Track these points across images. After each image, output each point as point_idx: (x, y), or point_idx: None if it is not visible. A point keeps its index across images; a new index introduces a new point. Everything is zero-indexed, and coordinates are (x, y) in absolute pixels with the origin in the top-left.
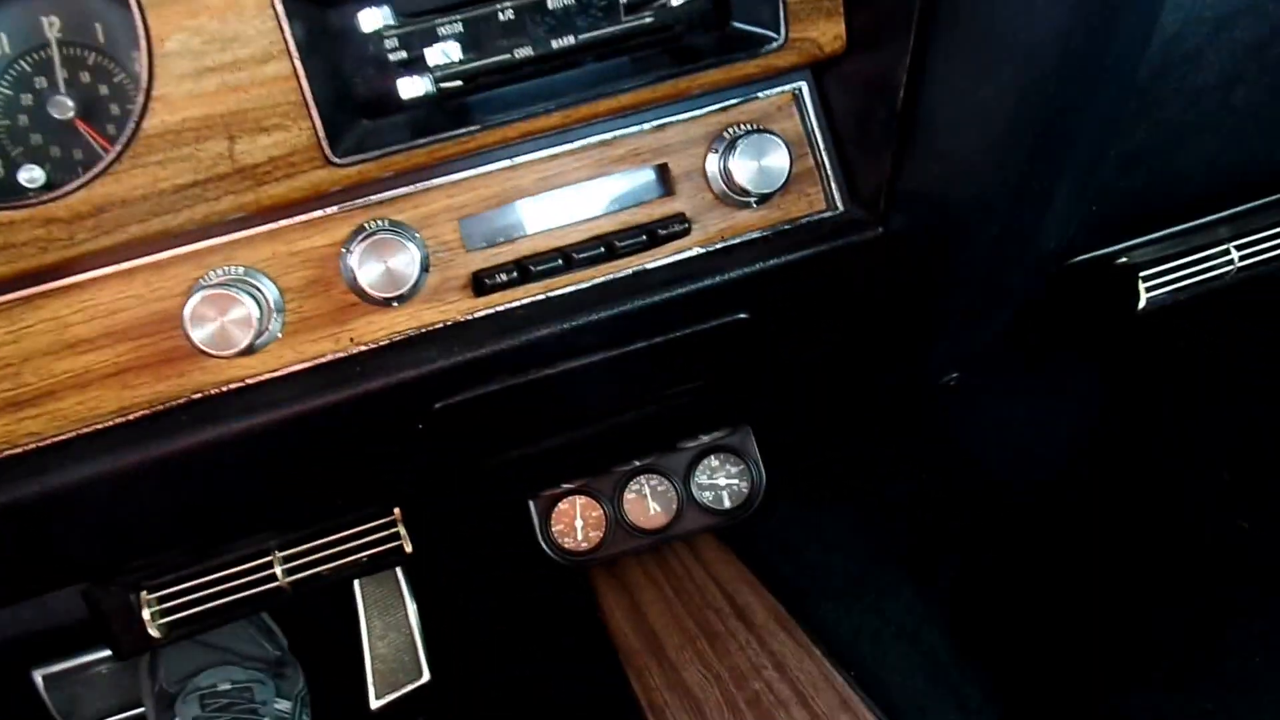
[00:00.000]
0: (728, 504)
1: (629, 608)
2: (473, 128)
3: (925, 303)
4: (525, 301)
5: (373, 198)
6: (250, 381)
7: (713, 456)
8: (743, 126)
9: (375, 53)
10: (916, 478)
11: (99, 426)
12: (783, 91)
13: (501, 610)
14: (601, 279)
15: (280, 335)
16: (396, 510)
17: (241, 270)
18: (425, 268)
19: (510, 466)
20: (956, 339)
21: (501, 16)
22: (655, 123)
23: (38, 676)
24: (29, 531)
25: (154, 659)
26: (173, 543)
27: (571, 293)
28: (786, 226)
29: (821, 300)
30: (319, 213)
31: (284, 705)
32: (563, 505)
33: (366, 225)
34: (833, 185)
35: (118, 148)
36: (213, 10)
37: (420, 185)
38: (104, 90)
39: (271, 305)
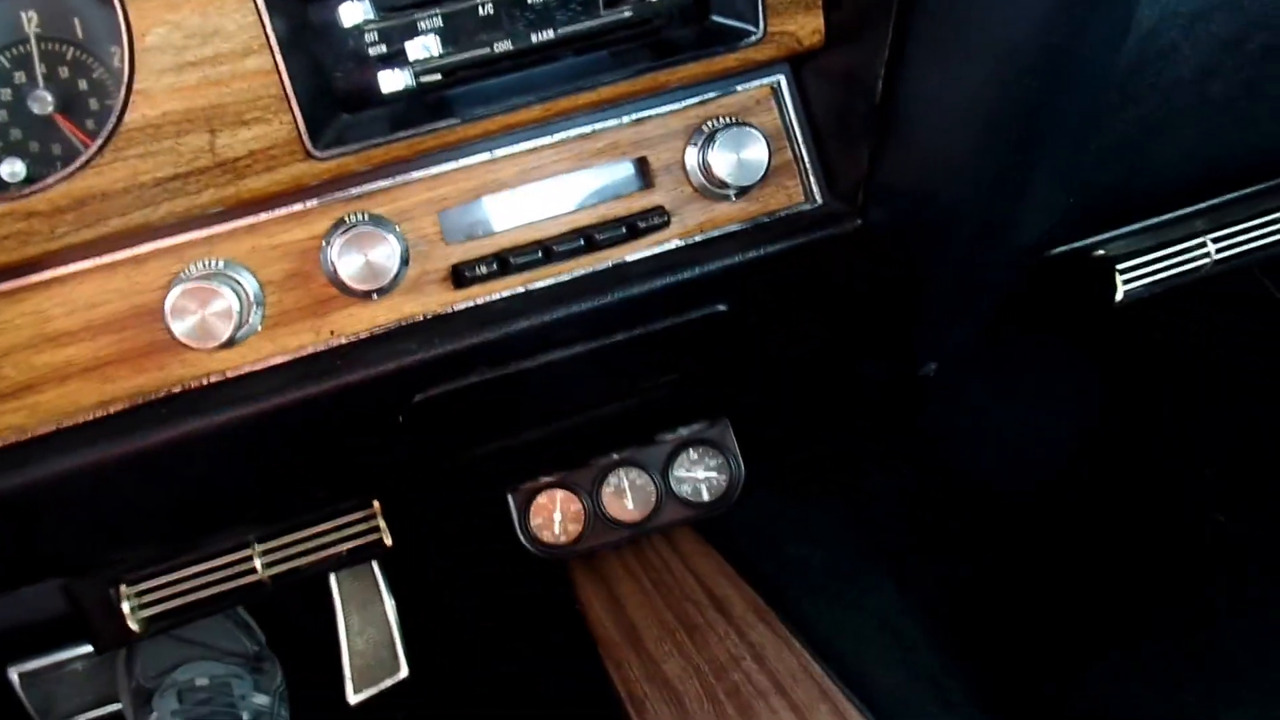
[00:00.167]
0: (706, 497)
1: (608, 601)
2: (452, 121)
3: (904, 295)
4: (504, 294)
5: (353, 191)
6: (230, 374)
7: (691, 449)
8: (722, 120)
9: (355, 47)
10: (900, 473)
11: (79, 420)
12: (761, 85)
13: (481, 605)
14: (581, 272)
15: (260, 328)
16: (376, 503)
17: (222, 263)
18: (405, 260)
19: (489, 459)
20: (935, 331)
21: (481, 11)
22: (634, 116)
23: (14, 674)
24: (8, 525)
25: (131, 655)
26: (153, 536)
27: (551, 285)
28: (765, 219)
29: (800, 293)
30: (299, 206)
31: (262, 700)
32: (541, 499)
33: (346, 218)
34: (811, 178)
35: (99, 141)
36: (194, 5)
37: (400, 178)
38: (83, 85)
39: (251, 298)
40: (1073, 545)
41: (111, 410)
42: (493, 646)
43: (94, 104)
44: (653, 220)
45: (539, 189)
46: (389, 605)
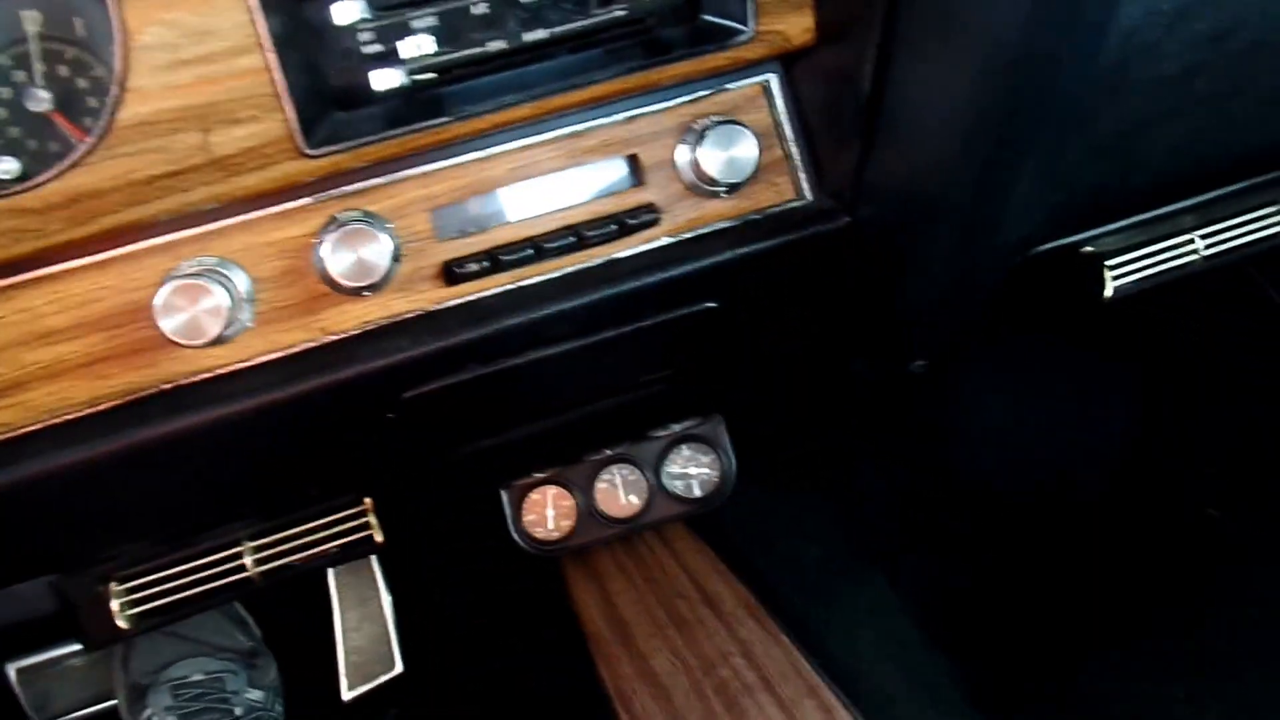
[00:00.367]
0: (698, 493)
1: (600, 597)
2: (445, 119)
3: (892, 292)
4: (496, 291)
5: (346, 188)
6: (221, 371)
7: (684, 446)
8: (712, 117)
9: (349, 45)
10: (892, 470)
11: (69, 417)
12: (752, 83)
13: (473, 601)
14: (572, 268)
15: (252, 325)
16: (367, 500)
17: (214, 261)
18: (397, 258)
19: (481, 456)
20: (923, 328)
21: (475, 10)
22: (626, 114)
23: (11, 670)
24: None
25: (127, 651)
26: (143, 533)
27: (542, 282)
28: (755, 216)
29: (790, 290)
30: (292, 204)
31: (256, 695)
32: (534, 495)
33: (339, 216)
34: (801, 175)
35: (91, 139)
36: (188, 4)
37: (393, 176)
38: (82, 84)
39: (243, 295)
40: (1067, 543)
41: (102, 407)
42: (485, 642)
43: (93, 102)
44: (643, 217)
45: (531, 186)
46: (386, 601)
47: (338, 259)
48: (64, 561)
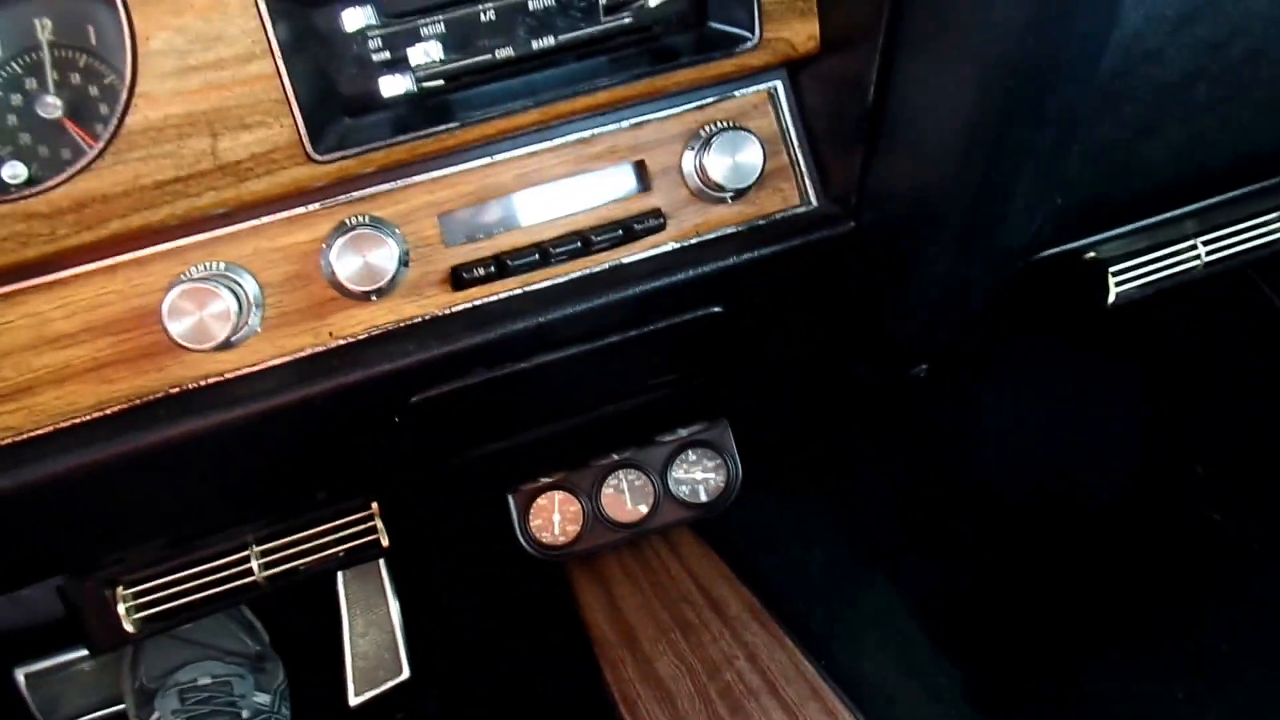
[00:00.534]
0: (704, 497)
1: (605, 602)
2: (453, 125)
3: (895, 296)
4: (503, 296)
5: (354, 194)
6: (229, 375)
7: (690, 451)
8: (718, 124)
9: (358, 52)
10: (896, 474)
11: (76, 421)
12: (758, 90)
13: (479, 605)
14: (578, 273)
15: (259, 330)
16: (374, 504)
17: (222, 265)
18: (404, 263)
19: (488, 460)
20: (925, 332)
21: (483, 17)
22: (633, 120)
23: (19, 675)
24: (6, 525)
25: (135, 655)
26: (150, 537)
27: (548, 287)
28: (761, 222)
29: (795, 294)
30: (300, 209)
31: (263, 699)
32: (541, 500)
33: (347, 221)
34: (806, 181)
35: (100, 144)
36: (197, 9)
37: (401, 182)
38: (94, 91)
39: (251, 300)
40: (1068, 543)
41: (109, 411)
42: (491, 647)
43: (103, 109)
44: (649, 223)
45: (538, 192)
46: (394, 607)
47: (345, 264)
48: (71, 564)
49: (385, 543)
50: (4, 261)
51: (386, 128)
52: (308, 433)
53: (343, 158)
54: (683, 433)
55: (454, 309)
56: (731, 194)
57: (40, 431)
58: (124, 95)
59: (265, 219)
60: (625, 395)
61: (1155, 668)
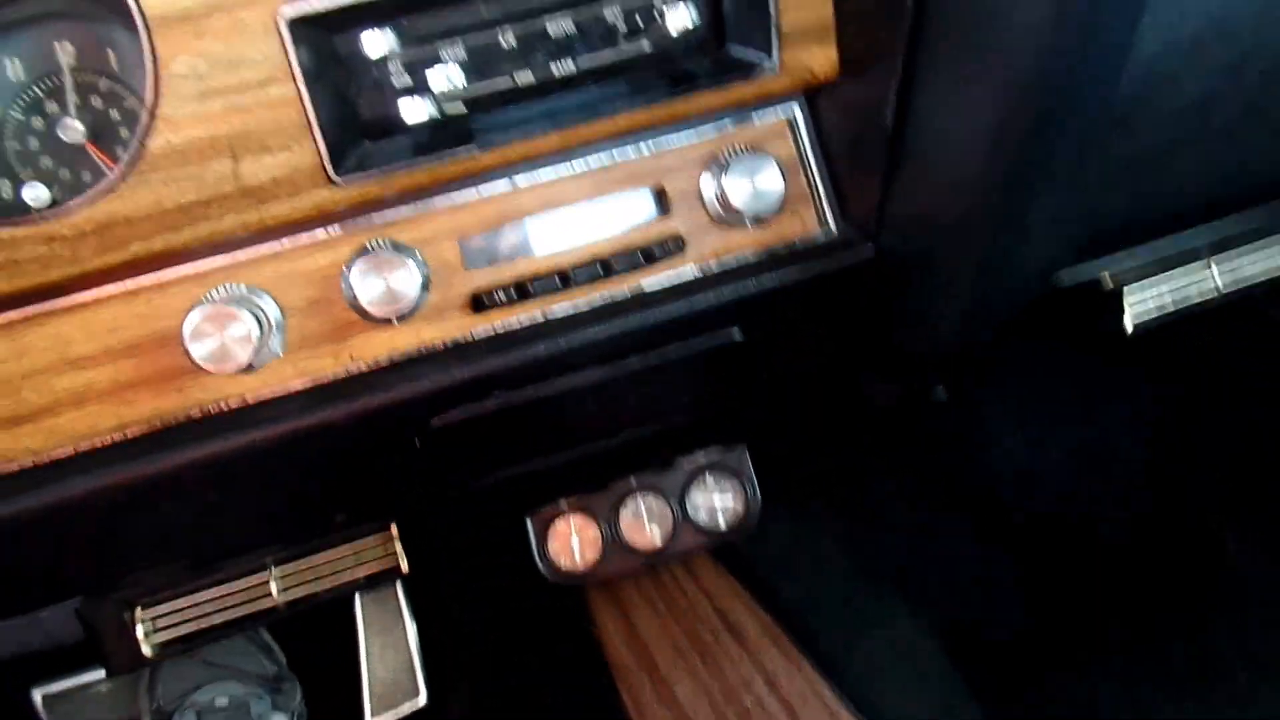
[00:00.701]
0: (723, 525)
1: (623, 625)
2: (473, 149)
3: (911, 317)
4: (523, 320)
5: (375, 218)
6: (249, 399)
7: (709, 476)
8: (737, 149)
9: (379, 76)
10: (905, 483)
11: (97, 443)
12: (777, 115)
13: (499, 628)
14: (598, 298)
15: (281, 353)
16: (393, 528)
17: (244, 289)
18: (425, 287)
19: (507, 483)
20: (943, 353)
21: (504, 43)
22: (652, 145)
23: (37, 696)
24: (25, 546)
25: (153, 676)
26: (169, 558)
27: (569, 312)
28: (780, 247)
29: (813, 318)
30: (322, 232)
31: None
32: (559, 525)
33: (368, 245)
34: (825, 206)
35: (121, 166)
36: (219, 34)
37: (422, 206)
38: (115, 115)
39: (272, 323)
40: (1085, 563)
41: (129, 434)
42: (507, 667)
43: (124, 132)
44: (669, 248)
45: (558, 217)
46: (411, 631)
47: (367, 287)
48: (89, 586)
49: (405, 567)
50: (26, 284)
51: (407, 151)
52: (328, 456)
53: (364, 181)
54: (701, 458)
55: (474, 333)
56: (751, 219)
57: (61, 453)
58: (145, 118)
59: (286, 242)
60: (644, 419)
61: (1159, 673)
